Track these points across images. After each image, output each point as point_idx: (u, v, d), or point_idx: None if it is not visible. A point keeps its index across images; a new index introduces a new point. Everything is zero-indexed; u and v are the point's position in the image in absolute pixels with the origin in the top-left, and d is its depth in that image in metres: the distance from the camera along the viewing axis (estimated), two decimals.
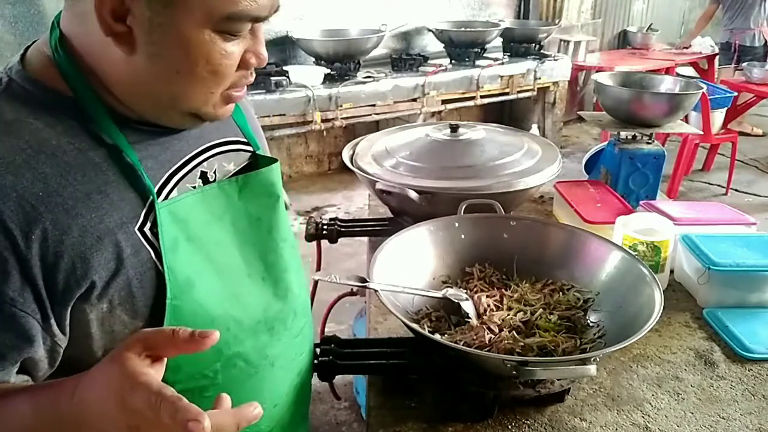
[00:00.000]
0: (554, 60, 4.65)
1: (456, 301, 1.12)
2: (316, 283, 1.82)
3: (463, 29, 4.42)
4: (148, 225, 0.71)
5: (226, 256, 0.80)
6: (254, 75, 0.74)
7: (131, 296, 0.70)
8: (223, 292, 0.77)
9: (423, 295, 1.14)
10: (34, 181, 0.63)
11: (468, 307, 1.12)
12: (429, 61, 4.32)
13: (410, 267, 1.18)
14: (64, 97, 0.68)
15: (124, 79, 0.68)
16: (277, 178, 0.87)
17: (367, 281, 1.04)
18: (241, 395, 0.79)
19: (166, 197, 0.74)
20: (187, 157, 0.78)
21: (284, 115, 3.65)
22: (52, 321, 0.66)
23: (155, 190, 0.72)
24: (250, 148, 0.88)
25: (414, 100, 4.07)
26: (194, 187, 0.78)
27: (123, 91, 0.69)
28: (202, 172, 0.79)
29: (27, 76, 0.69)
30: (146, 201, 0.71)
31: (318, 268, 1.78)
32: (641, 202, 1.63)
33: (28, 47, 0.73)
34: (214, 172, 0.81)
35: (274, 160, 0.88)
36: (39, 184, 0.63)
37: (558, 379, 0.97)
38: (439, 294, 1.13)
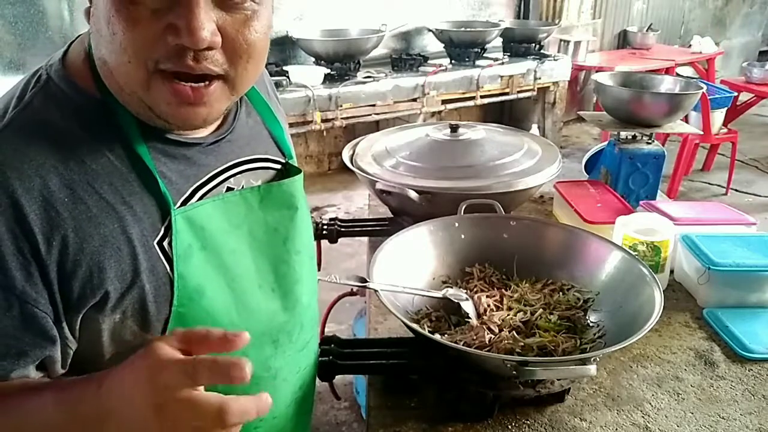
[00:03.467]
0: (554, 60, 4.65)
1: (456, 301, 1.12)
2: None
3: (463, 29, 4.41)
4: (167, 239, 0.69)
5: (239, 265, 0.77)
6: (193, 58, 0.61)
7: (144, 309, 0.68)
8: (232, 302, 0.76)
9: (423, 295, 1.14)
10: (61, 186, 0.62)
11: (468, 307, 1.12)
12: (429, 61, 4.31)
13: (410, 267, 1.18)
14: (93, 99, 0.66)
15: (105, 68, 0.64)
16: (297, 190, 0.85)
17: (367, 281, 1.04)
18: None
19: (184, 206, 0.72)
20: (213, 173, 0.75)
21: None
22: (64, 325, 0.65)
23: (178, 204, 0.70)
24: (279, 166, 0.85)
25: (414, 100, 4.07)
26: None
27: (112, 86, 0.65)
28: (228, 188, 0.77)
29: (64, 75, 0.67)
30: (166, 214, 0.69)
31: (318, 268, 1.78)
32: (641, 202, 1.63)
33: (75, 39, 0.71)
34: (242, 187, 0.79)
35: (299, 171, 0.85)
36: (66, 190, 0.62)
37: (558, 379, 0.97)
38: (439, 294, 1.13)
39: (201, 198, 0.73)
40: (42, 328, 0.63)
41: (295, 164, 0.87)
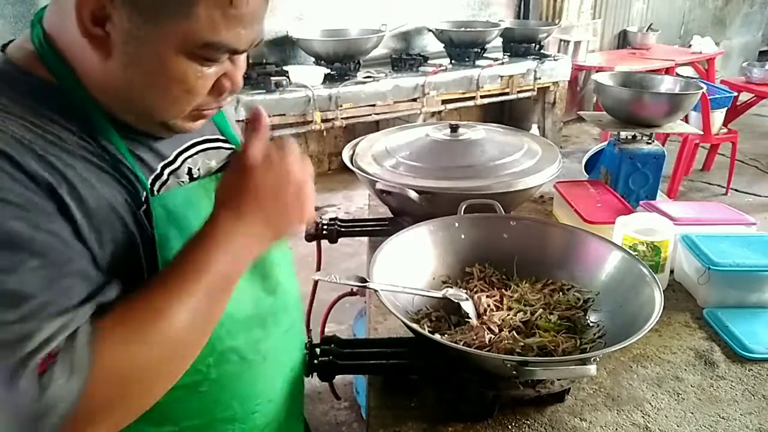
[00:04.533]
0: (554, 60, 4.65)
1: (456, 301, 1.12)
2: (316, 283, 1.82)
3: (463, 29, 4.41)
4: (141, 210, 0.72)
5: None
6: (228, 100, 0.75)
7: (127, 272, 0.70)
8: None
9: (423, 295, 1.14)
10: (45, 155, 0.64)
11: (468, 307, 1.12)
12: (429, 61, 4.31)
13: (410, 267, 1.18)
14: (51, 85, 0.68)
15: (99, 80, 0.68)
16: None
17: (367, 281, 1.04)
18: (235, 390, 0.83)
19: (159, 189, 0.75)
20: (177, 151, 0.79)
21: (284, 115, 3.64)
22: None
23: (150, 179, 0.74)
24: (230, 146, 0.89)
25: (414, 100, 4.07)
26: (182, 183, 0.79)
27: (98, 91, 0.69)
28: (188, 168, 0.81)
29: (16, 66, 0.68)
30: (141, 192, 0.72)
31: (318, 268, 1.78)
32: (641, 202, 1.63)
33: (5, 45, 0.73)
34: (198, 169, 0.82)
35: None
36: (52, 158, 0.64)
37: (558, 379, 0.97)
38: (439, 294, 1.13)
39: (170, 174, 0.77)
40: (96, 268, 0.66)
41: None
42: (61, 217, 0.63)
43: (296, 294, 0.97)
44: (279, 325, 0.90)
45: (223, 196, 0.74)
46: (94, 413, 0.61)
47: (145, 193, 0.72)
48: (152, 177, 0.75)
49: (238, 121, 0.97)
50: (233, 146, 0.89)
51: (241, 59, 0.72)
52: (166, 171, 0.77)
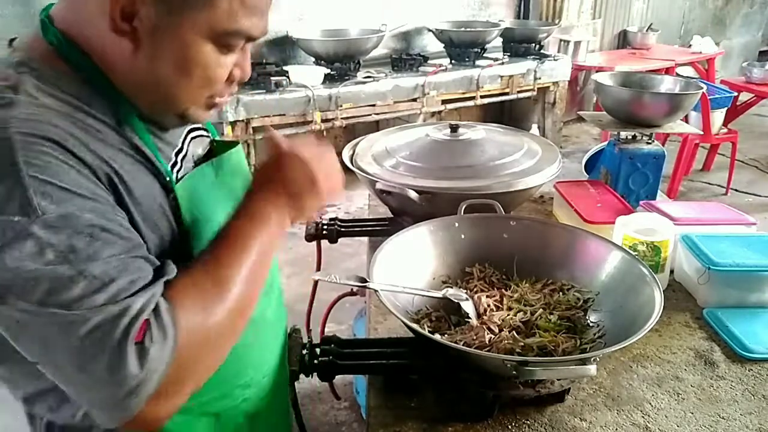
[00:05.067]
0: (554, 60, 4.65)
1: (456, 301, 1.12)
2: (316, 283, 1.82)
3: (463, 29, 4.41)
4: (170, 197, 0.78)
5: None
6: (236, 88, 0.83)
7: (162, 254, 0.76)
8: None
9: (423, 295, 1.14)
10: (86, 144, 0.68)
11: (468, 307, 1.12)
12: (429, 61, 4.31)
13: (410, 267, 1.18)
14: (74, 77, 0.71)
15: (125, 74, 0.72)
16: (242, 158, 0.97)
17: (367, 281, 1.04)
18: (250, 358, 0.93)
19: (177, 176, 0.82)
20: (182, 137, 0.86)
21: (284, 115, 3.64)
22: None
23: (169, 168, 0.79)
24: (208, 134, 0.96)
25: (414, 100, 4.07)
26: (189, 169, 0.86)
27: (123, 85, 0.73)
28: (192, 154, 0.88)
29: (41, 65, 0.70)
30: (165, 178, 0.78)
31: (318, 268, 1.78)
32: (641, 202, 1.63)
33: (10, 43, 0.76)
34: (192, 156, 0.88)
35: (236, 143, 0.96)
36: (100, 151, 0.69)
37: (558, 379, 0.97)
38: (439, 294, 1.13)
39: (182, 160, 0.84)
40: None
41: (224, 140, 0.98)
42: (119, 207, 0.69)
43: (275, 266, 1.04)
44: (273, 291, 1.00)
45: (260, 181, 0.85)
46: (181, 378, 0.68)
47: (169, 180, 0.78)
48: (170, 165, 0.81)
49: (237, 121, 1.02)
50: (210, 135, 0.96)
51: (248, 52, 0.79)
52: (179, 158, 0.84)
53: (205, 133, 0.95)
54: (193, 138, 0.90)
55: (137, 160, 0.74)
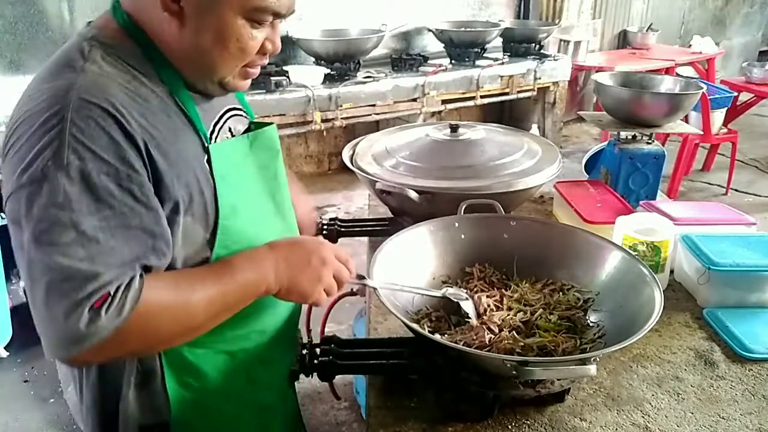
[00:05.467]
0: (554, 60, 4.65)
1: (455, 300, 1.12)
2: None
3: (463, 29, 4.41)
4: (206, 158, 0.89)
5: (250, 193, 0.99)
6: (268, 60, 0.94)
7: (206, 212, 0.89)
8: (256, 220, 0.98)
9: (422, 294, 1.14)
10: (138, 115, 0.80)
11: (468, 306, 1.12)
12: (429, 61, 4.31)
13: (410, 267, 1.18)
14: (136, 51, 0.86)
15: (174, 47, 0.85)
16: (276, 136, 1.06)
17: (365, 277, 1.04)
18: (265, 305, 1.01)
19: (214, 141, 0.93)
20: (221, 112, 0.98)
21: (284, 115, 3.64)
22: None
23: (208, 132, 0.91)
24: (246, 116, 1.07)
25: (414, 100, 4.07)
26: (226, 138, 0.98)
27: (173, 57, 0.86)
28: (229, 127, 0.99)
29: (104, 35, 0.85)
30: (203, 141, 0.90)
31: None
32: (641, 202, 1.63)
33: (89, 24, 0.89)
34: (236, 130, 1.01)
35: (270, 124, 1.06)
36: (142, 118, 0.81)
37: (558, 379, 0.97)
38: (438, 293, 1.13)
39: (219, 131, 0.96)
40: (163, 224, 0.82)
41: (257, 120, 1.09)
42: (148, 170, 0.80)
43: (296, 232, 1.15)
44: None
45: (274, 244, 0.95)
46: (118, 347, 0.79)
47: (206, 143, 0.89)
48: (209, 131, 0.92)
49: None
50: (249, 116, 1.08)
51: (278, 27, 0.91)
52: (217, 127, 0.96)
53: (243, 113, 1.06)
54: (232, 115, 1.01)
55: (182, 123, 0.87)
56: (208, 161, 0.89)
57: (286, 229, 1.07)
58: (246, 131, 1.04)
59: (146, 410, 0.94)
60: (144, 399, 0.94)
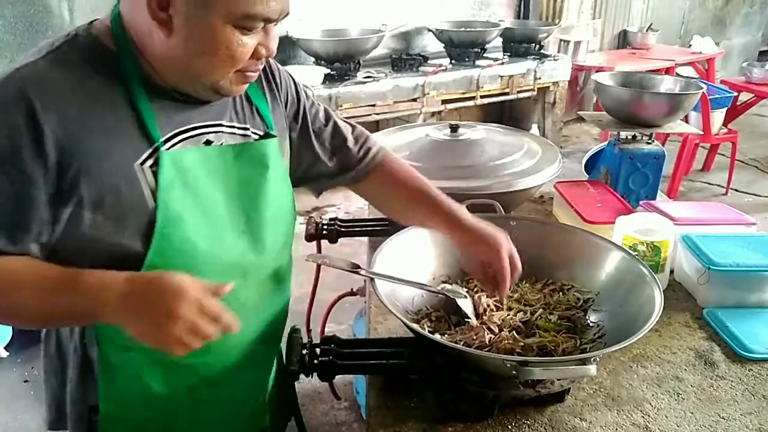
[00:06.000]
0: (554, 60, 4.65)
1: (452, 297, 1.12)
2: (315, 283, 1.83)
3: (463, 29, 4.41)
4: (149, 163, 0.87)
5: (214, 207, 0.94)
6: (263, 63, 0.92)
7: (121, 216, 0.86)
8: (208, 233, 0.92)
9: (419, 288, 1.14)
10: (70, 103, 0.82)
11: (465, 305, 1.12)
12: (429, 61, 4.31)
13: (410, 267, 1.18)
14: (111, 52, 0.87)
15: (162, 55, 0.85)
16: (270, 151, 1.00)
17: (359, 267, 1.04)
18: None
19: (169, 149, 0.89)
20: (196, 125, 0.93)
21: None
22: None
23: (162, 139, 0.88)
24: (257, 137, 1.01)
25: (414, 100, 4.07)
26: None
27: (160, 64, 0.86)
28: (207, 140, 0.94)
29: (89, 32, 0.88)
30: (152, 145, 0.87)
31: (318, 269, 1.78)
32: (641, 202, 1.63)
33: (93, 21, 0.91)
34: (221, 144, 0.96)
35: (272, 137, 1.02)
36: (73, 107, 0.82)
37: (558, 379, 0.97)
38: (436, 289, 1.13)
39: (181, 141, 0.91)
40: (39, 205, 0.82)
41: (274, 133, 1.03)
42: (48, 159, 0.80)
43: (289, 261, 1.09)
44: (262, 281, 1.02)
45: (135, 277, 0.84)
46: None
47: (157, 146, 0.87)
48: (166, 137, 0.89)
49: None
50: (266, 133, 1.02)
51: (273, 30, 0.89)
52: (179, 137, 0.91)
53: (253, 135, 1.00)
54: (219, 132, 0.96)
55: (129, 124, 0.86)
56: (153, 165, 0.87)
57: (250, 250, 0.97)
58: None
59: (90, 393, 0.96)
60: (87, 384, 0.96)
